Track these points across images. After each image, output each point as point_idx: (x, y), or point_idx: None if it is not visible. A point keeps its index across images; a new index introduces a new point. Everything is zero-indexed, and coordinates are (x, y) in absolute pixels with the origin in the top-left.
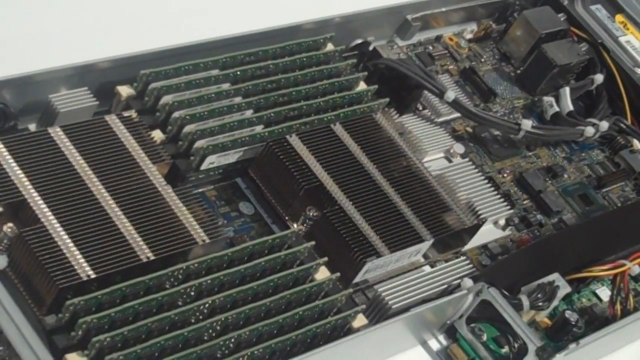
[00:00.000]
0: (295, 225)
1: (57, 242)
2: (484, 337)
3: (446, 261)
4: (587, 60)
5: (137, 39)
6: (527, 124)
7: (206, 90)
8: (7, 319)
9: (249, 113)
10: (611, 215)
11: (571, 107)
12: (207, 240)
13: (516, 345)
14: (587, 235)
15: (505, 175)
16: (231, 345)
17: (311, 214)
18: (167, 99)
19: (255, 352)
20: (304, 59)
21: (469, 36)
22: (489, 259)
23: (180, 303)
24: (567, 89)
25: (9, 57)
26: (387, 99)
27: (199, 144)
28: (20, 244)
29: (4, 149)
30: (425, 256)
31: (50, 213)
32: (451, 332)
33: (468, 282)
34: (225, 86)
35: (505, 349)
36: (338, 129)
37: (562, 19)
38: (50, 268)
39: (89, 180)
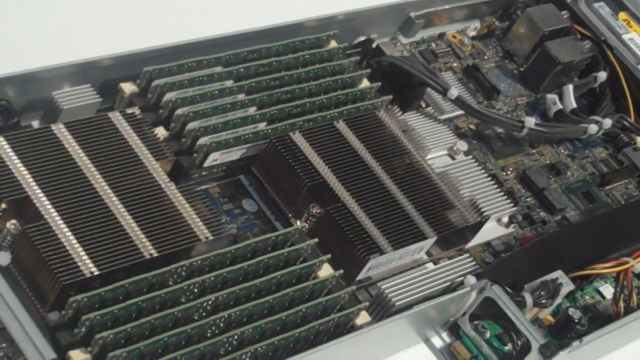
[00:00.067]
0: (298, 223)
1: (61, 239)
2: (487, 335)
3: (449, 258)
4: (591, 57)
5: (140, 36)
6: (531, 121)
7: (209, 87)
8: (10, 315)
9: (252, 110)
10: (614, 212)
11: (574, 105)
12: (211, 237)
13: (519, 343)
14: (591, 233)
15: (508, 172)
16: (234, 342)
17: (314, 211)
18: (170, 95)
19: (259, 349)
20: (307, 56)
21: (472, 33)
22: (492, 257)
23: (183, 300)
24: (570, 87)
25: (12, 54)
26: (390, 96)
27: (202, 140)
28: (24, 240)
29: (7, 146)
30: (428, 253)
31: (53, 210)
32: (454, 329)
33: (471, 280)
34: (229, 83)
35: (509, 347)
36: (341, 126)
37: (565, 16)
38: (53, 265)
39: (92, 177)
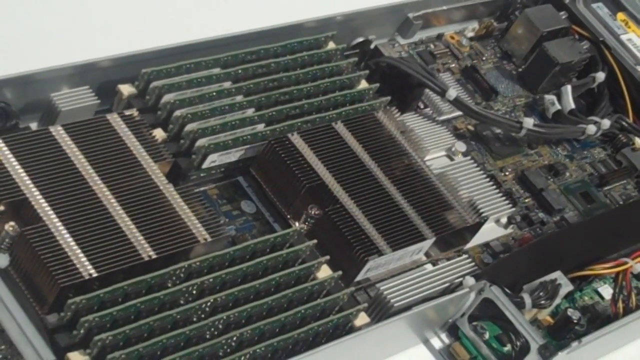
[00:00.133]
0: (297, 224)
1: (59, 241)
2: (486, 336)
3: (448, 259)
4: (589, 58)
5: (139, 38)
6: (529, 122)
7: (208, 89)
8: (9, 317)
9: (250, 111)
10: (613, 213)
11: (573, 105)
12: (209, 239)
13: (518, 344)
14: (589, 234)
15: (507, 173)
16: (233, 343)
17: (313, 212)
18: (168, 97)
19: (257, 350)
20: (306, 58)
21: (471, 34)
22: (491, 257)
23: (182, 302)
24: (568, 87)
25: (11, 56)
26: (389, 98)
27: (201, 142)
28: (22, 242)
29: (5, 148)
30: (427, 254)
31: (51, 212)
32: (453, 330)
33: (470, 281)
34: (227, 85)
35: (508, 347)
36: (339, 127)
37: (563, 17)
38: (52, 267)
39: (90, 179)
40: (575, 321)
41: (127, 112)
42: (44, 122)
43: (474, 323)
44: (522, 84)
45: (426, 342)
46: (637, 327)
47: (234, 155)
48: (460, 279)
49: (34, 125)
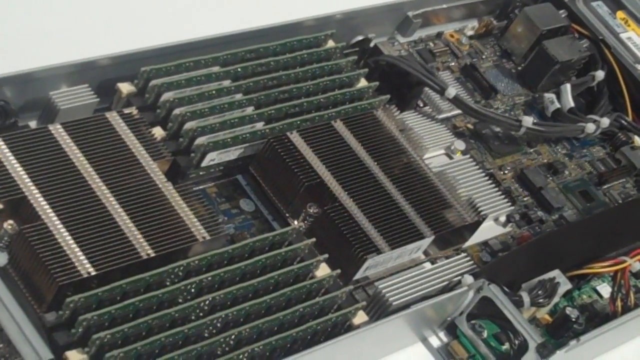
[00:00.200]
0: (295, 222)
1: (58, 239)
2: (485, 334)
3: (447, 258)
4: (588, 56)
5: (138, 36)
6: (528, 120)
7: (207, 87)
8: (7, 316)
9: (249, 110)
10: (612, 212)
11: (572, 104)
12: (208, 237)
13: (517, 342)
14: (588, 232)
15: (506, 171)
16: (231, 342)
17: (312, 210)
18: (167, 95)
19: (256, 349)
20: (305, 56)
21: (470, 33)
22: (490, 256)
23: (180, 300)
24: (568, 86)
25: (10, 55)
26: (388, 96)
27: (200, 140)
28: (21, 241)
29: (4, 146)
30: (425, 253)
31: (50, 210)
32: (452, 328)
33: (469, 279)
34: (226, 83)
35: (506, 346)
36: (339, 125)
37: (563, 15)
38: (50, 265)
39: (89, 177)
40: (573, 320)
41: (127, 111)
42: (43, 121)
43: (473, 321)
44: (521, 83)
45: (424, 341)
46: (635, 325)
47: (233, 154)
48: (459, 277)
49: (33, 124)
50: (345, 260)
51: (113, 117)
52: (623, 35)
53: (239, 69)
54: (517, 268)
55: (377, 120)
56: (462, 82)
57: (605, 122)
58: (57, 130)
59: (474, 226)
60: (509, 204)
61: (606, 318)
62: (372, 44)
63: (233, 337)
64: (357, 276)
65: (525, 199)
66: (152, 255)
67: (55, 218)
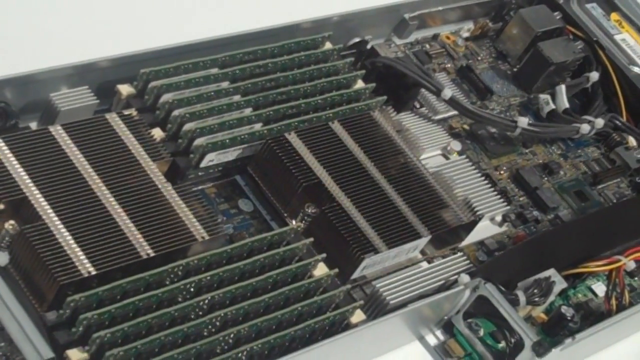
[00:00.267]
0: (294, 222)
1: (58, 239)
2: (481, 332)
3: (443, 257)
4: (583, 58)
5: (137, 38)
6: (524, 121)
7: (206, 89)
8: (8, 315)
9: (248, 111)
10: (607, 211)
11: (567, 105)
12: (207, 237)
13: (513, 340)
14: (583, 232)
15: (501, 172)
16: (230, 340)
17: (310, 210)
18: (167, 97)
19: (255, 347)
20: (303, 58)
21: (466, 34)
22: (486, 255)
23: (180, 299)
24: (562, 87)
25: (11, 56)
26: (385, 97)
27: (199, 141)
28: (22, 241)
29: (5, 147)
30: (422, 252)
31: (51, 210)
32: (448, 327)
33: (465, 278)
34: (225, 85)
35: (502, 344)
36: (336, 126)
37: (557, 17)
38: (51, 265)
39: (89, 178)
40: (569, 318)
41: (126, 112)
42: (43, 122)
43: (469, 320)
44: (516, 84)
45: (421, 339)
46: (630, 324)
47: (231, 155)
48: (456, 276)
49: (33, 125)
50: (343, 260)
51: (113, 118)
52: (617, 37)
53: (238, 71)
54: (513, 267)
55: (374, 121)
56: (458, 83)
57: (600, 122)
58: (57, 131)
59: (470, 226)
60: (505, 203)
61: (601, 316)
62: (369, 46)
63: (232, 335)
64: (355, 275)
65: (520, 198)
66: (152, 255)
67: (55, 218)
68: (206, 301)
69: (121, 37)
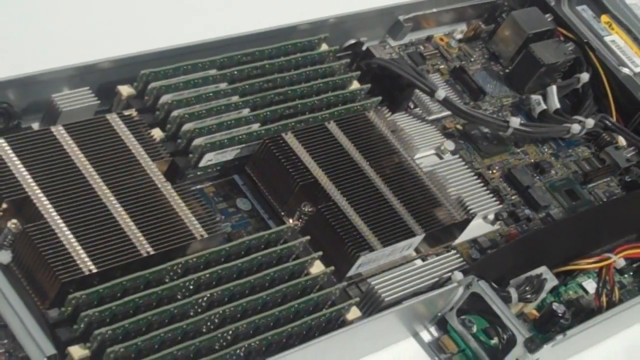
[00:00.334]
0: (290, 221)
1: (60, 238)
2: (474, 329)
3: (437, 255)
4: (574, 59)
5: (137, 40)
6: (516, 121)
7: (204, 90)
8: (11, 312)
9: (245, 112)
10: (597, 210)
11: (558, 105)
12: (206, 236)
13: (505, 337)
14: (574, 230)
15: (494, 171)
16: (229, 337)
17: (306, 209)
18: (166, 98)
19: (252, 344)
20: (299, 59)
21: (459, 36)
22: (479, 253)
23: (179, 297)
24: (554, 88)
25: (13, 58)
26: (380, 98)
27: (198, 141)
28: (24, 239)
29: (8, 147)
30: (416, 250)
31: (53, 209)
32: (442, 323)
33: (458, 275)
34: (223, 85)
35: (495, 340)
36: (332, 127)
37: (549, 19)
38: (53, 263)
39: (90, 177)
40: (560, 315)
41: (126, 113)
42: (45, 122)
43: (462, 317)
44: (509, 85)
45: (416, 335)
46: (620, 320)
47: (229, 154)
48: (449, 274)
49: (35, 125)
50: (339, 258)
51: (113, 118)
52: (607, 39)
53: (235, 72)
54: (505, 265)
55: (369, 121)
56: (452, 84)
57: (590, 122)
58: (59, 131)
59: (464, 224)
60: (497, 202)
61: (591, 313)
62: (364, 48)
63: (230, 332)
64: (350, 273)
65: (512, 197)
66: (152, 253)
67: (57, 217)
68: (205, 298)
69: (121, 39)
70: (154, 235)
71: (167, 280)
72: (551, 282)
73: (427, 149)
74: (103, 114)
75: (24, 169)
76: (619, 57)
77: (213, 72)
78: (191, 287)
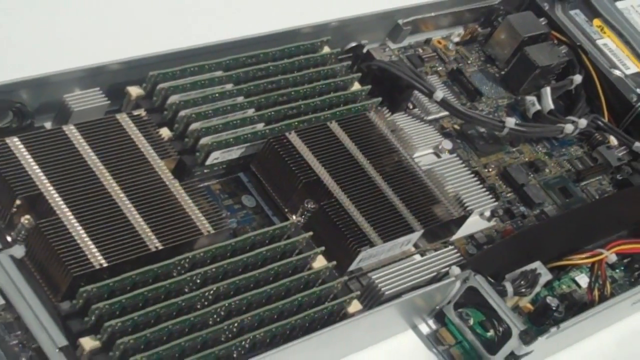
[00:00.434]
0: (294, 217)
1: (72, 233)
2: (471, 322)
3: (435, 250)
4: (567, 61)
5: (146, 43)
6: (511, 121)
7: (211, 91)
8: (24, 305)
9: (250, 112)
10: (589, 207)
11: (552, 106)
12: (212, 231)
13: (501, 329)
14: (567, 226)
15: (490, 169)
16: (234, 329)
17: (309, 206)
18: (174, 98)
19: (257, 335)
20: (302, 61)
21: (456, 39)
22: (475, 248)
23: (186, 290)
24: (548, 89)
25: (26, 60)
26: (380, 99)
27: (204, 140)
28: (37, 234)
29: (21, 146)
30: (415, 245)
31: (64, 205)
32: (440, 316)
33: (456, 270)
34: (229, 86)
35: (491, 333)
36: (334, 126)
37: (543, 23)
38: (65, 257)
39: (101, 175)
40: (553, 308)
41: (136, 112)
42: (57, 122)
43: (460, 310)
44: (504, 86)
45: (415, 328)
46: (611, 313)
47: (235, 153)
48: (447, 268)
49: (48, 125)
50: (341, 253)
51: (123, 118)
52: (599, 42)
53: (241, 73)
54: (501, 260)
55: (370, 121)
56: (449, 85)
57: (583, 123)
58: (70, 130)
59: (461, 220)
60: (493, 199)
61: (584, 307)
62: (365, 50)
63: (236, 324)
64: (352, 267)
65: (508, 195)
66: (160, 247)
67: (69, 213)
68: (211, 292)
69: (131, 41)
70: (162, 230)
71: (175, 274)
72: (545, 276)
73: (425, 148)
74: (113, 113)
75: (36, 167)
76: (611, 59)
77: (219, 73)
78: (198, 281)
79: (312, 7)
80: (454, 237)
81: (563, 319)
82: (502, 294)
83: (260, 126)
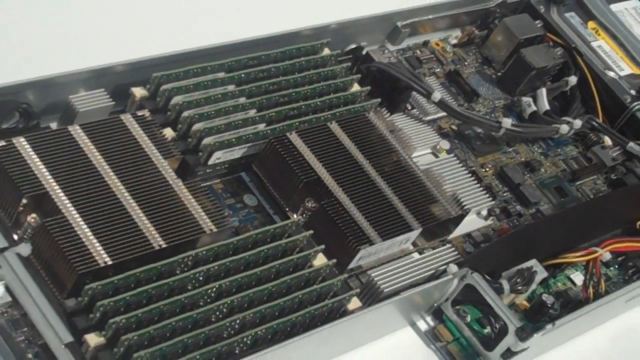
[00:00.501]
0: (295, 216)
1: (77, 231)
2: (468, 319)
3: (433, 248)
4: (562, 63)
5: (150, 44)
6: (507, 122)
7: (213, 92)
8: (31, 302)
9: (252, 112)
10: (584, 206)
11: (547, 107)
12: (215, 230)
13: (497, 326)
14: (562, 225)
15: (487, 169)
16: (236, 326)
17: (309, 205)
18: (177, 99)
19: (259, 332)
20: (303, 63)
21: (454, 41)
22: (473, 247)
23: (189, 287)
24: (543, 90)
25: (32, 61)
26: (379, 99)
27: (207, 140)
28: (43, 233)
29: (28, 146)
30: (414, 244)
31: (70, 204)
32: (438, 313)
33: (453, 268)
34: (231, 87)
35: (488, 329)
36: (334, 127)
37: (539, 25)
38: (70, 255)
39: (105, 174)
40: (549, 305)
41: (140, 113)
42: (63, 122)
43: (457, 307)
44: (501, 87)
45: (413, 325)
46: (606, 311)
47: (237, 153)
48: (445, 266)
49: (53, 125)
50: (341, 251)
51: (127, 119)
52: (594, 44)
53: (243, 75)
54: (497, 258)
55: (369, 122)
56: (447, 86)
57: (578, 123)
58: (76, 131)
59: (458, 219)
60: (490, 199)
61: (579, 304)
62: (364, 52)
63: (238, 321)
64: (351, 265)
65: (504, 194)
66: (164, 246)
67: (74, 212)
68: (214, 289)
69: (135, 43)
70: (165, 229)
71: (178, 271)
72: (541, 274)
73: (423, 148)
74: (117, 114)
75: (42, 166)
76: (605, 61)
77: (221, 74)
78: (201, 278)
79: (313, 9)
80: (452, 235)
81: (558, 316)
82: (499, 291)
83: (261, 126)
